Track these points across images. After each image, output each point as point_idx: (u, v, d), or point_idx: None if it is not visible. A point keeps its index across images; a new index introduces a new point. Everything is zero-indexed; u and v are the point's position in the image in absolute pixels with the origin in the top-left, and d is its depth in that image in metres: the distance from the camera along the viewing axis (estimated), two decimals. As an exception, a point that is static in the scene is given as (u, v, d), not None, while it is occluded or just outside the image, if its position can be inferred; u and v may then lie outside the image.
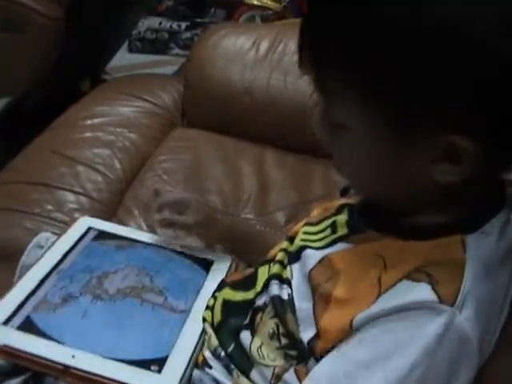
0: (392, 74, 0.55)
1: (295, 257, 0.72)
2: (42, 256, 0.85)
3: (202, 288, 0.85)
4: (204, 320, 0.78)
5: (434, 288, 0.56)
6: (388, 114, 0.57)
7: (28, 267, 0.84)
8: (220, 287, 0.83)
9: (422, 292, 0.57)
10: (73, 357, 0.70)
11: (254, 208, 1.24)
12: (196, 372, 0.74)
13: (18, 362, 0.70)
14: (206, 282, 0.86)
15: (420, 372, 0.55)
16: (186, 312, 0.80)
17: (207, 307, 0.80)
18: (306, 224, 0.76)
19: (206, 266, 0.90)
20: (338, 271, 0.65)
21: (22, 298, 0.77)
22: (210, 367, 0.73)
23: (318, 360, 0.63)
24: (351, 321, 0.59)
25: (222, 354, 0.73)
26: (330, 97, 0.61)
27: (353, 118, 0.59)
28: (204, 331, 0.77)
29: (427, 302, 0.56)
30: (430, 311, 0.56)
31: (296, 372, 0.67)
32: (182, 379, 0.71)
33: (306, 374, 0.64)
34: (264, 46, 1.44)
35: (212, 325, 0.77)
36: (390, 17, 0.54)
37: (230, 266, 0.91)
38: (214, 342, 0.75)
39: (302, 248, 0.72)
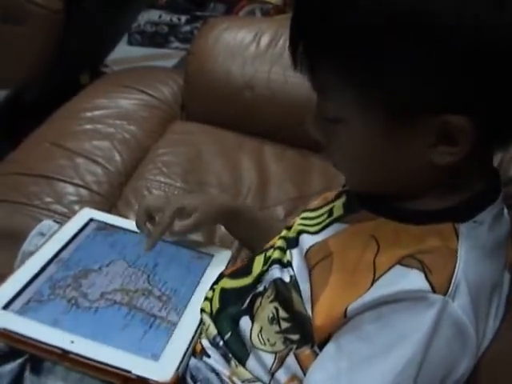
0: (389, 62, 0.55)
1: (294, 242, 0.73)
2: (42, 244, 0.86)
3: (200, 280, 0.85)
4: (202, 311, 0.79)
5: (426, 276, 0.57)
6: (384, 102, 0.57)
7: (29, 254, 0.84)
8: (218, 280, 0.83)
9: (415, 281, 0.57)
10: (72, 342, 0.70)
11: (253, 201, 1.24)
12: (193, 361, 0.74)
13: (17, 346, 0.70)
14: (204, 275, 0.86)
15: (419, 363, 0.56)
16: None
17: (206, 298, 0.81)
18: (305, 211, 0.78)
19: (207, 259, 0.90)
20: (332, 253, 0.66)
21: (22, 283, 0.77)
22: (208, 356, 0.74)
23: (320, 347, 0.63)
24: (345, 309, 0.59)
25: (221, 342, 0.74)
26: (326, 92, 0.62)
27: (349, 110, 0.60)
28: (202, 322, 0.78)
29: (420, 291, 0.57)
30: (423, 301, 0.56)
31: (296, 357, 0.67)
32: (179, 367, 0.71)
33: (310, 357, 0.65)
34: (265, 40, 1.44)
35: (211, 314, 0.78)
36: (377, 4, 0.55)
37: (230, 261, 0.91)
38: (213, 330, 0.75)
39: (300, 233, 0.73)
